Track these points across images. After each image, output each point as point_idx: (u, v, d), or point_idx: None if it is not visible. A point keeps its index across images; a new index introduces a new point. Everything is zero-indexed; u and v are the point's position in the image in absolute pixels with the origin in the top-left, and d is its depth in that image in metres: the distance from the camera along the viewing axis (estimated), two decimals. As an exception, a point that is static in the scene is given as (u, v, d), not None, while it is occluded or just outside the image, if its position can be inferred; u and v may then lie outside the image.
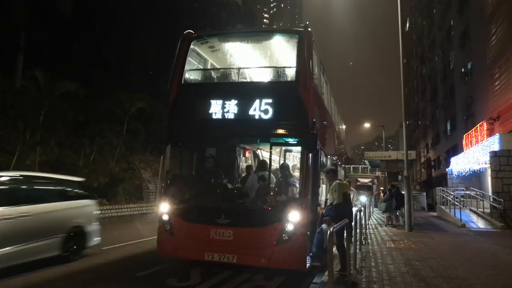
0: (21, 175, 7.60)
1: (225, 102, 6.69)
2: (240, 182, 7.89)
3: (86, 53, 24.18)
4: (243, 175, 8.34)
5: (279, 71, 7.29)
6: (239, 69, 7.68)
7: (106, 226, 15.15)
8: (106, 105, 21.90)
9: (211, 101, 6.77)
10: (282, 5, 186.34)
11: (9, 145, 16.48)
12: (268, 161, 7.14)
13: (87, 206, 8.73)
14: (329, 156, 9.52)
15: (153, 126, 22.76)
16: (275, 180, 7.49)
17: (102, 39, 25.24)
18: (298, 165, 7.35)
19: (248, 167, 8.44)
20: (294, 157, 9.42)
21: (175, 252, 6.71)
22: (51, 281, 6.47)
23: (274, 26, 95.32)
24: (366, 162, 33.23)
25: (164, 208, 6.74)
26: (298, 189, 6.59)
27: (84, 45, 24.45)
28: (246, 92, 7.02)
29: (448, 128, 31.70)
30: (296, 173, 7.55)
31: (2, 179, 6.92)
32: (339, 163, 13.05)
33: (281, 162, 8.12)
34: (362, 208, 10.63)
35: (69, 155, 19.76)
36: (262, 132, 6.68)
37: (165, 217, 6.71)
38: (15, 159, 15.55)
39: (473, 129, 21.10)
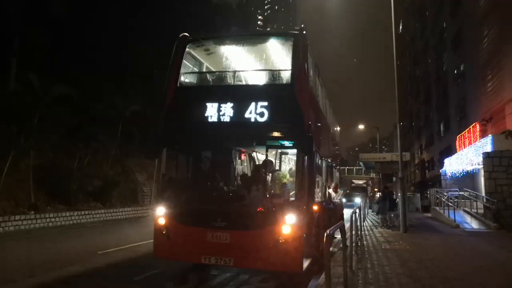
0: None
1: (221, 105, 6.69)
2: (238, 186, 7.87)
3: (80, 56, 24.04)
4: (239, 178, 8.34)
5: (274, 74, 7.30)
6: (234, 72, 7.69)
7: (101, 230, 15.15)
8: (100, 108, 21.80)
9: (206, 104, 6.76)
10: (276, 7, 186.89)
11: (2, 149, 16.33)
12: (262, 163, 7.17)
13: None
14: (324, 158, 9.56)
15: (148, 129, 22.68)
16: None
17: (96, 41, 25.13)
18: (294, 168, 7.38)
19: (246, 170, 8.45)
20: (289, 159, 9.44)
21: (171, 255, 6.68)
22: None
23: (268, 29, 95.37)
24: (361, 163, 33.33)
25: (160, 211, 6.71)
26: (293, 192, 6.61)
27: (78, 48, 24.32)
28: (241, 95, 7.02)
29: (442, 129, 31.96)
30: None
31: None
32: (334, 164, 13.11)
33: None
34: (357, 210, 10.70)
35: (63, 159, 19.62)
36: (258, 135, 6.69)
37: (161, 221, 6.67)
38: (8, 163, 15.41)
39: (466, 130, 21.28)
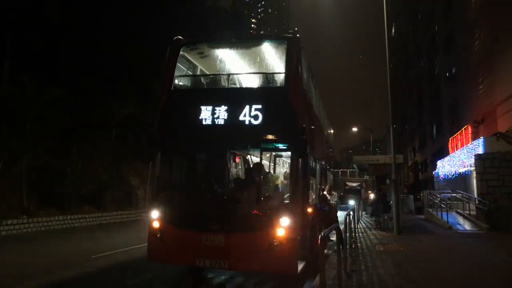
0: None
1: (215, 108, 6.71)
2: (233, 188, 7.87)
3: (74, 58, 23.91)
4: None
5: (268, 77, 7.33)
6: (228, 75, 7.71)
7: (94, 234, 15.04)
8: (94, 111, 21.68)
9: (201, 107, 6.77)
10: (270, 10, 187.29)
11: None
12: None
13: None
14: (318, 160, 9.59)
15: (142, 132, 22.57)
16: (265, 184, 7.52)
17: (91, 44, 25.00)
18: (288, 170, 7.41)
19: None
20: (284, 162, 9.47)
21: (166, 258, 6.66)
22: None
23: (262, 32, 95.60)
24: (355, 166, 33.45)
25: (155, 215, 6.69)
26: (288, 194, 6.62)
27: (72, 50, 24.19)
28: (235, 97, 7.04)
29: (434, 131, 32.18)
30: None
31: None
32: (328, 167, 13.16)
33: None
34: (351, 212, 10.74)
35: (57, 162, 19.47)
36: (253, 138, 6.70)
37: (156, 224, 6.65)
38: (1, 166, 15.26)
39: (458, 132, 21.46)
